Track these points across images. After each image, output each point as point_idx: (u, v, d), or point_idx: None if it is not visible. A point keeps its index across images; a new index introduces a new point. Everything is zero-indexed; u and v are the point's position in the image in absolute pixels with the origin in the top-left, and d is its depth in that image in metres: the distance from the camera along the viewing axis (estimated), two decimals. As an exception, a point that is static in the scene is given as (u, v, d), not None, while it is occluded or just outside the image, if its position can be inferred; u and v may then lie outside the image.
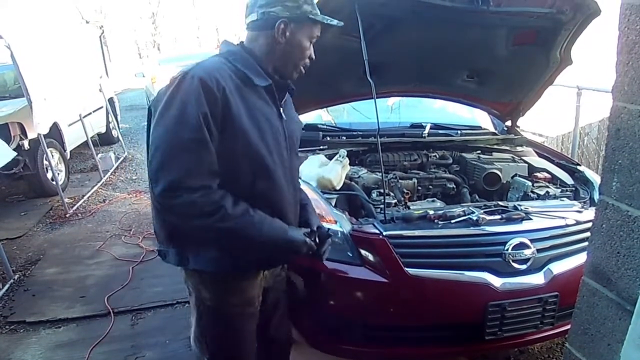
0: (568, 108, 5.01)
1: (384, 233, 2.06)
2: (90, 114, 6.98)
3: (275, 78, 1.49)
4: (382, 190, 2.38)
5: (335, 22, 1.52)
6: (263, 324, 1.75)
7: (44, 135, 5.05)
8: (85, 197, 5.65)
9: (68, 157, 6.18)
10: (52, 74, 5.45)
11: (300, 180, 1.75)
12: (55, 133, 5.75)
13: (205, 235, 1.42)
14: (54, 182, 5.46)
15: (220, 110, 1.32)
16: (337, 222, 2.11)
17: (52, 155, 5.62)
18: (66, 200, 5.36)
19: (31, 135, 5.23)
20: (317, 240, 1.56)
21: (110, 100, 8.16)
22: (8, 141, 5.18)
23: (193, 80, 1.31)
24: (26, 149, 5.26)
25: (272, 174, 1.46)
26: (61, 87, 5.73)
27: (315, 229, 1.59)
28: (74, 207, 5.29)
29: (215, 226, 1.34)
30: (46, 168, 5.59)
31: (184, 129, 1.28)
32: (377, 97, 2.31)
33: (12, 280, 3.63)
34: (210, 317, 1.61)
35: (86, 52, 7.40)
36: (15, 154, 3.42)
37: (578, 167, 2.85)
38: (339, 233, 2.08)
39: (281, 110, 1.52)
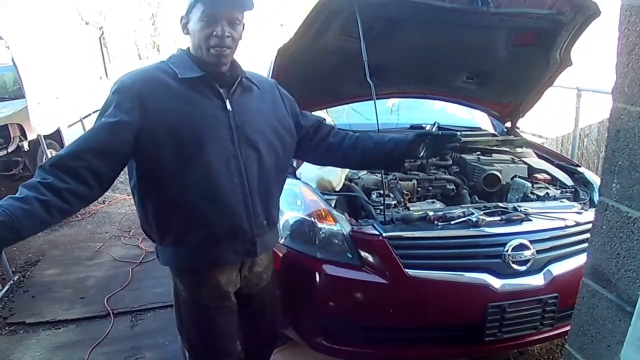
0: (568, 109, 5.02)
1: (384, 234, 2.06)
2: (90, 115, 6.98)
3: (210, 71, 1.54)
4: (381, 192, 2.39)
5: None
6: (249, 327, 1.85)
7: (44, 136, 5.04)
8: (85, 198, 5.62)
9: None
10: (52, 75, 5.45)
11: (298, 181, 1.77)
12: (55, 134, 5.75)
13: None
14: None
15: (135, 110, 1.43)
16: (337, 223, 2.11)
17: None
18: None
19: (31, 136, 5.23)
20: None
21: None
22: (8, 142, 5.19)
23: (114, 88, 1.49)
24: (26, 150, 5.26)
25: (200, 162, 1.49)
26: (61, 88, 5.72)
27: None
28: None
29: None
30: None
31: (94, 130, 1.44)
32: (377, 98, 2.31)
33: (11, 282, 3.62)
34: (186, 309, 1.70)
35: (86, 53, 7.40)
36: None
37: (578, 169, 2.85)
38: (339, 234, 2.08)
39: (227, 102, 1.55)
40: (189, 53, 1.58)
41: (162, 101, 1.47)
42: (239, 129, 1.55)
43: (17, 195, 1.25)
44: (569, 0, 2.55)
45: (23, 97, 4.83)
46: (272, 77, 2.83)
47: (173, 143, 1.46)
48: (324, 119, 1.94)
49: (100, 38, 8.19)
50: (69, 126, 6.20)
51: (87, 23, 16.53)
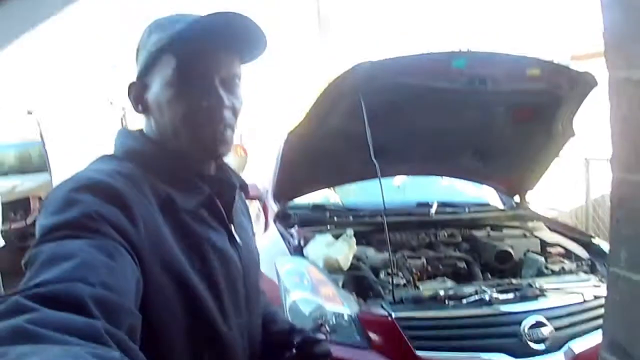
0: (579, 180, 5.01)
1: (393, 315, 2.00)
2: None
3: (198, 174, 0.93)
4: (390, 271, 2.34)
5: (186, 16, 0.91)
6: None
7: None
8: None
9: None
10: (76, 151, 5.65)
11: (304, 259, 1.67)
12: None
13: None
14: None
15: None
16: (344, 304, 2.06)
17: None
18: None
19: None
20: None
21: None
22: (27, 214, 5.31)
23: (90, 192, 0.78)
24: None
25: (211, 326, 0.87)
26: (83, 165, 5.93)
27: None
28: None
29: None
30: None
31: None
32: (383, 177, 2.34)
33: None
34: None
35: (108, 131, 7.71)
36: (3, 243, 3.47)
37: (592, 240, 2.80)
38: (346, 315, 2.02)
39: (233, 230, 0.96)
40: (155, 141, 0.91)
41: (160, 238, 0.81)
42: (246, 275, 0.96)
43: None
44: (564, 74, 2.62)
45: (46, 171, 4.98)
46: (281, 160, 2.89)
47: (174, 300, 0.81)
48: None
49: (122, 118, 8.59)
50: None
51: (111, 103, 17.36)
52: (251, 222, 1.13)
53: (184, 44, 0.84)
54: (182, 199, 0.86)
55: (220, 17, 0.84)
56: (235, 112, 0.91)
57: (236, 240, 0.95)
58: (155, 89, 0.88)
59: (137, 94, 0.92)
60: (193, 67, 0.85)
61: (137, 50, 0.93)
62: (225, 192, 0.95)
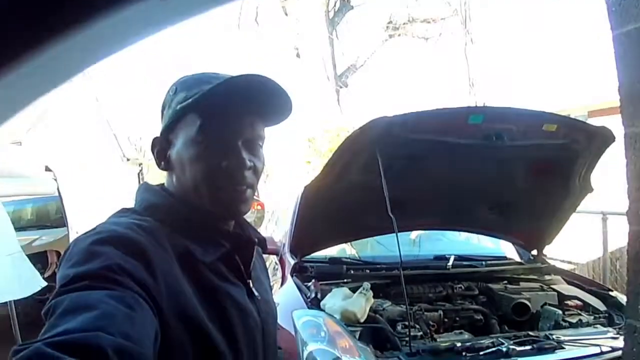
0: (596, 233, 4.96)
1: (410, 367, 2.00)
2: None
3: (217, 232, 0.94)
4: (407, 323, 2.35)
5: (215, 77, 0.93)
6: None
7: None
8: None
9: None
10: (93, 206, 5.79)
11: (321, 312, 1.65)
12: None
13: None
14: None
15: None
16: (361, 356, 2.08)
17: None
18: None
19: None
20: None
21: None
22: (45, 268, 5.40)
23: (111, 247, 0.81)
24: (62, 276, 5.43)
25: None
26: (100, 220, 6.06)
27: None
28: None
29: None
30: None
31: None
32: (400, 231, 2.38)
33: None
34: None
35: (125, 187, 7.89)
36: (45, 283, 3.55)
37: (610, 293, 2.79)
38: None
39: (252, 286, 0.96)
40: (177, 197, 0.92)
41: (181, 293, 0.81)
42: (265, 329, 0.96)
43: None
44: (581, 129, 2.63)
45: (64, 226, 5.09)
46: (298, 213, 2.97)
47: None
48: None
49: (139, 173, 8.79)
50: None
51: (128, 159, 17.75)
52: (268, 277, 1.14)
53: (210, 104, 0.85)
54: (202, 253, 0.87)
55: (246, 79, 0.86)
56: (256, 173, 0.92)
57: (255, 295, 0.95)
58: (179, 147, 0.90)
59: (161, 149, 0.94)
60: (217, 127, 0.87)
61: (163, 107, 0.95)
62: (243, 248, 0.96)
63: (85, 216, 5.41)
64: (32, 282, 3.48)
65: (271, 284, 1.16)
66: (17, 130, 11.44)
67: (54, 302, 0.67)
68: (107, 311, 0.64)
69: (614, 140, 2.59)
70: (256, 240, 1.00)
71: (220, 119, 0.87)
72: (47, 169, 4.54)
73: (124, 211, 0.92)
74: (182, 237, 0.86)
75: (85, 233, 0.80)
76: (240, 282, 0.93)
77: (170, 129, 0.91)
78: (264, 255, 1.23)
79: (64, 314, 0.63)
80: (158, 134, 0.95)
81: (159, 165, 0.95)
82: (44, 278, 5.34)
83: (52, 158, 5.56)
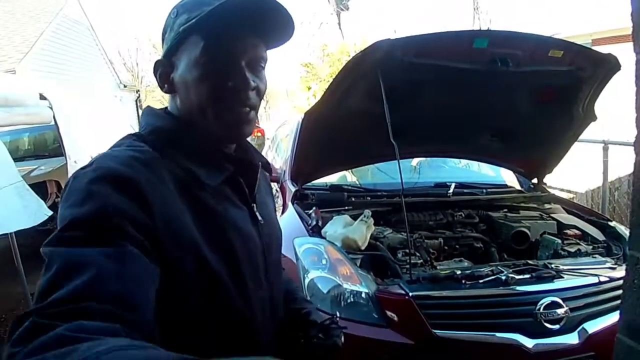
0: (596, 163, 4.96)
1: (411, 294, 2.03)
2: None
3: (222, 154, 0.96)
4: (407, 250, 2.37)
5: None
6: None
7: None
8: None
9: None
10: (90, 134, 5.71)
11: (323, 239, 1.64)
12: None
13: None
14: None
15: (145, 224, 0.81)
16: (362, 283, 2.10)
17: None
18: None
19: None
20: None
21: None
22: (45, 198, 5.40)
23: (102, 183, 0.81)
24: (62, 205, 5.46)
25: (231, 303, 0.89)
26: (98, 148, 5.99)
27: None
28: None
29: None
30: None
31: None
32: (401, 158, 2.35)
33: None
34: None
35: (123, 114, 7.76)
36: (50, 212, 3.56)
37: (609, 223, 2.80)
38: (364, 294, 2.07)
39: (255, 209, 0.98)
40: (181, 120, 0.93)
41: (176, 214, 0.82)
42: (266, 251, 0.99)
43: None
44: (587, 56, 2.55)
45: (62, 155, 5.04)
46: (298, 140, 2.91)
47: (196, 281, 0.83)
48: None
49: (136, 100, 8.61)
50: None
51: (124, 86, 17.42)
52: (274, 200, 1.16)
53: (212, 25, 0.84)
54: (206, 176, 0.88)
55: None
56: (259, 94, 0.92)
57: (257, 218, 0.97)
58: (182, 69, 0.89)
59: (164, 72, 0.93)
60: (220, 48, 0.86)
61: (164, 30, 0.94)
62: (247, 171, 0.97)
63: (83, 144, 5.33)
64: (39, 211, 3.47)
65: (276, 207, 1.18)
66: (9, 58, 11.11)
67: (51, 251, 0.69)
68: (99, 274, 0.66)
69: (620, 69, 2.53)
70: (259, 163, 1.01)
71: (223, 39, 0.86)
72: (42, 97, 4.40)
73: (129, 137, 0.91)
74: (187, 161, 0.87)
75: (83, 168, 0.81)
76: (244, 205, 0.95)
77: (172, 51, 0.91)
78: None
79: (58, 274, 0.66)
80: (160, 57, 0.94)
81: (162, 88, 0.95)
82: (44, 208, 5.39)
83: (47, 86, 5.37)
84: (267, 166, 1.08)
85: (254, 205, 0.97)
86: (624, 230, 2.67)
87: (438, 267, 2.37)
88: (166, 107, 0.98)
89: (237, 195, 0.94)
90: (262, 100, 0.98)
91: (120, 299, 0.65)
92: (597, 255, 2.46)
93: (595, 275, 2.18)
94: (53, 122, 4.60)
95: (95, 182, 0.75)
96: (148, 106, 1.02)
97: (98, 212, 0.71)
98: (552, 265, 2.23)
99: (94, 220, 0.71)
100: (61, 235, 0.71)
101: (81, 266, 0.66)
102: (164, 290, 0.75)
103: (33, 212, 3.41)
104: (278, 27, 0.91)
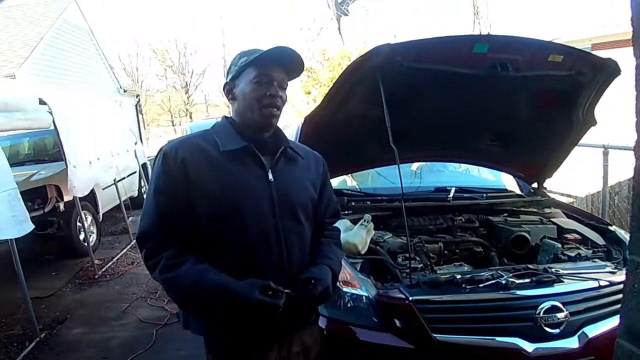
0: (596, 167, 4.96)
1: (411, 298, 2.03)
2: (124, 178, 7.21)
3: (253, 139, 1.52)
4: (407, 255, 2.37)
5: (262, 52, 1.51)
6: None
7: (79, 198, 5.23)
8: (115, 259, 5.76)
9: (100, 219, 6.36)
10: (90, 139, 5.71)
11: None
12: (89, 196, 5.92)
13: (169, 290, 1.49)
14: (86, 244, 5.60)
15: (180, 178, 1.44)
16: (362, 287, 2.10)
17: (86, 218, 5.79)
18: (96, 261, 5.47)
19: (67, 198, 5.43)
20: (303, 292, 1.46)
21: (144, 166, 8.42)
22: (45, 202, 5.40)
23: (160, 156, 1.50)
24: (61, 210, 5.45)
25: (237, 234, 1.45)
26: (97, 152, 5.97)
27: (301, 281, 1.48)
28: (103, 269, 5.38)
29: (160, 278, 1.44)
30: (79, 230, 5.74)
31: (155, 195, 1.48)
32: (401, 163, 2.35)
33: (38, 339, 3.68)
34: None
35: (122, 119, 7.75)
36: (33, 226, 3.54)
37: (609, 227, 2.80)
38: (364, 298, 2.06)
39: (269, 172, 1.51)
40: (233, 121, 1.58)
41: (203, 171, 1.45)
42: (281, 200, 1.50)
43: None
44: (587, 61, 2.56)
45: (62, 160, 5.04)
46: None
47: (210, 213, 1.44)
48: (339, 214, 1.84)
49: (136, 105, 8.61)
50: (104, 189, 6.40)
51: (124, 91, 17.41)
52: (316, 174, 1.67)
53: (260, 63, 1.50)
54: (222, 145, 1.50)
55: (280, 49, 1.50)
56: (283, 101, 1.56)
57: (268, 178, 1.51)
58: (242, 86, 1.53)
59: (230, 89, 1.57)
60: (264, 74, 1.50)
61: (230, 66, 1.59)
62: (268, 147, 1.55)
63: (83, 149, 5.34)
64: (24, 223, 3.45)
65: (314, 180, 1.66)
66: (9, 63, 11.13)
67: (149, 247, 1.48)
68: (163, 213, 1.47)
69: (619, 73, 2.53)
70: (282, 146, 1.58)
71: (266, 70, 1.51)
72: (42, 102, 4.41)
73: (201, 131, 1.61)
74: (218, 138, 1.52)
75: (160, 147, 1.57)
76: (259, 168, 1.51)
77: (235, 77, 1.55)
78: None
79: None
80: (227, 80, 1.59)
81: (227, 98, 1.61)
82: (44, 212, 5.38)
83: (47, 91, 5.37)
84: (290, 147, 1.61)
85: (270, 170, 1.52)
86: (624, 235, 2.67)
87: (438, 272, 2.36)
88: (226, 115, 1.67)
89: (253, 160, 1.51)
90: None
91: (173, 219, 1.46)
92: (597, 260, 2.45)
93: (595, 279, 2.18)
94: (53, 127, 4.61)
95: (161, 161, 1.49)
96: (224, 116, 1.65)
97: (158, 204, 1.47)
98: (552, 270, 2.23)
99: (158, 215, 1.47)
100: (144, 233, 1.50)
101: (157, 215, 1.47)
102: (194, 216, 1.45)
103: (19, 222, 3.40)
104: (294, 66, 1.56)
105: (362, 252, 2.40)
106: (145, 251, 1.46)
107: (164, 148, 1.52)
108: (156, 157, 1.53)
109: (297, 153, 1.62)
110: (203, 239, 1.45)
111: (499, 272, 2.20)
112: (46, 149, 6.98)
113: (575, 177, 5.39)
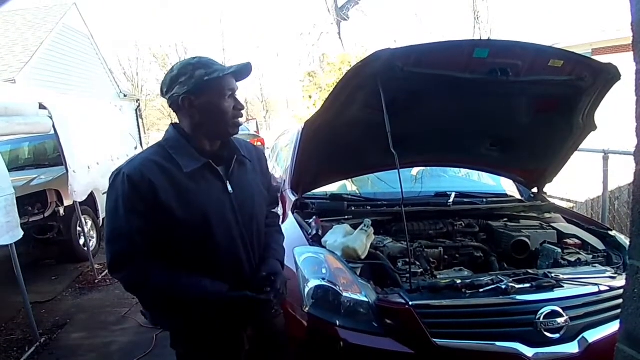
0: (596, 172, 4.96)
1: (411, 303, 2.03)
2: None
3: (210, 153, 1.60)
4: (407, 260, 2.36)
5: (233, 67, 1.58)
6: None
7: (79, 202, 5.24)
8: (115, 264, 5.74)
9: (101, 224, 6.35)
10: (90, 144, 5.72)
11: (323, 249, 1.79)
12: (89, 201, 5.93)
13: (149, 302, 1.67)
14: (86, 249, 5.59)
15: (149, 198, 1.47)
16: (362, 292, 2.10)
17: (86, 222, 5.79)
18: (96, 266, 5.47)
19: (67, 202, 5.43)
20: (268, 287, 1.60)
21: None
22: (45, 207, 5.40)
23: (123, 178, 1.49)
24: (61, 215, 5.45)
25: (207, 247, 1.54)
26: (98, 157, 5.98)
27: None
28: (103, 273, 5.38)
29: (146, 297, 1.62)
30: (79, 234, 5.74)
31: (117, 220, 1.50)
32: (401, 167, 2.35)
33: (38, 344, 3.68)
34: None
35: (123, 123, 7.76)
36: (22, 234, 3.55)
37: (609, 232, 2.80)
38: (364, 303, 2.06)
39: (227, 184, 1.59)
40: (184, 133, 1.59)
41: (170, 193, 1.49)
42: (241, 208, 1.61)
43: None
44: (588, 66, 2.55)
45: (62, 164, 5.05)
46: (298, 149, 2.93)
47: (180, 235, 1.51)
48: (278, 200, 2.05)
49: (136, 110, 8.62)
50: (104, 193, 6.38)
51: (125, 95, 17.44)
52: (261, 173, 1.79)
53: (222, 78, 1.54)
54: (185, 166, 1.52)
55: (248, 65, 1.59)
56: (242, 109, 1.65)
57: (228, 190, 1.58)
58: (208, 99, 1.54)
59: (188, 104, 1.54)
60: (233, 88, 1.59)
61: (179, 74, 1.54)
62: (223, 158, 1.63)
63: (83, 154, 5.36)
64: (15, 231, 3.46)
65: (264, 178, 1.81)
66: (10, 68, 11.16)
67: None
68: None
69: (620, 78, 2.53)
70: (235, 156, 1.64)
71: (233, 84, 1.59)
72: (42, 107, 4.42)
73: (154, 146, 1.64)
74: (177, 157, 1.54)
75: (118, 169, 1.55)
76: (219, 181, 1.58)
77: (199, 89, 1.52)
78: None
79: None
80: (181, 93, 1.54)
81: (181, 111, 1.59)
82: (44, 217, 5.38)
83: (47, 95, 5.38)
84: (239, 153, 1.67)
85: (227, 181, 1.59)
86: (624, 240, 2.67)
87: (438, 277, 2.36)
88: (177, 123, 1.66)
89: (213, 175, 1.57)
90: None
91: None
92: (597, 265, 2.45)
93: (595, 284, 2.18)
94: (53, 132, 4.62)
95: (122, 183, 1.50)
96: (172, 123, 1.66)
97: (123, 218, 1.50)
98: (552, 275, 2.23)
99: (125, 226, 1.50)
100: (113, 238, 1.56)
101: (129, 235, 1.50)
102: (165, 237, 1.51)
103: (12, 229, 3.41)
104: (247, 74, 1.63)
105: (362, 257, 2.39)
106: (127, 274, 1.54)
107: (124, 170, 1.51)
108: (113, 179, 1.53)
109: (245, 157, 1.69)
110: (176, 255, 1.54)
111: (499, 277, 2.20)
112: (46, 154, 6.98)
113: (576, 182, 5.39)
